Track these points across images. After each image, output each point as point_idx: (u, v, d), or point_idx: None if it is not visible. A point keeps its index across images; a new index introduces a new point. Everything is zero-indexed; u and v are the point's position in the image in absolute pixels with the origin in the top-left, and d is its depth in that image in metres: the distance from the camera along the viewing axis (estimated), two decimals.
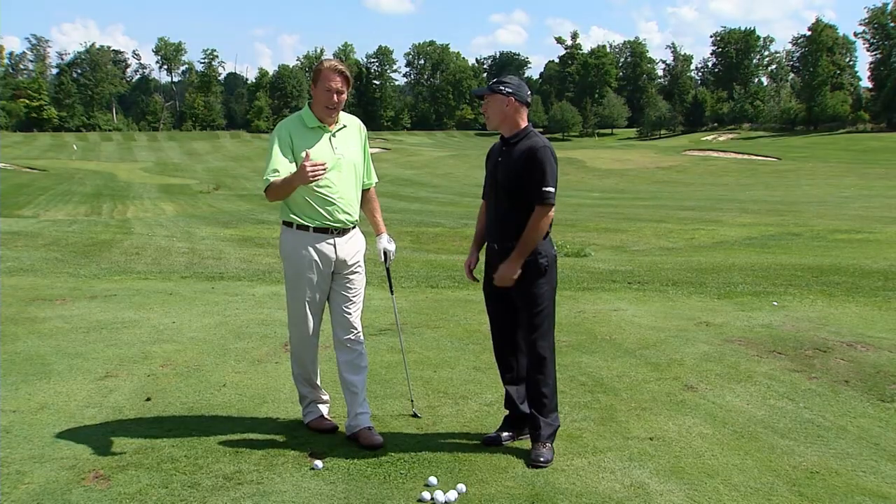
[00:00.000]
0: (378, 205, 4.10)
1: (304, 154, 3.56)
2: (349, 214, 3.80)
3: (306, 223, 3.73)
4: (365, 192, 3.99)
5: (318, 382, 4.02)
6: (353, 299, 3.88)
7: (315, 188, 3.67)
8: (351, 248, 3.84)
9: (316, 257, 3.74)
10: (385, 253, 4.00)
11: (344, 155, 3.78)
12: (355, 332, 3.88)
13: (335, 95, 3.69)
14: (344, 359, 3.89)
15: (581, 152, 62.83)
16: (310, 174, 3.48)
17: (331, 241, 3.76)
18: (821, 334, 5.95)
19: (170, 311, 6.80)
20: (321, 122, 3.75)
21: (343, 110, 3.84)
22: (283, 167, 3.65)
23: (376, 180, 4.07)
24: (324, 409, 4.03)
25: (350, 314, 3.87)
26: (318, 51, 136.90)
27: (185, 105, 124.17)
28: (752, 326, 6.28)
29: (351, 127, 3.89)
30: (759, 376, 4.90)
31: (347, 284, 3.85)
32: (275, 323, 6.36)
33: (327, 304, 3.90)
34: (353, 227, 3.88)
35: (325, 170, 3.56)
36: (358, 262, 3.89)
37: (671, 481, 3.35)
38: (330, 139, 3.77)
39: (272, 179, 3.63)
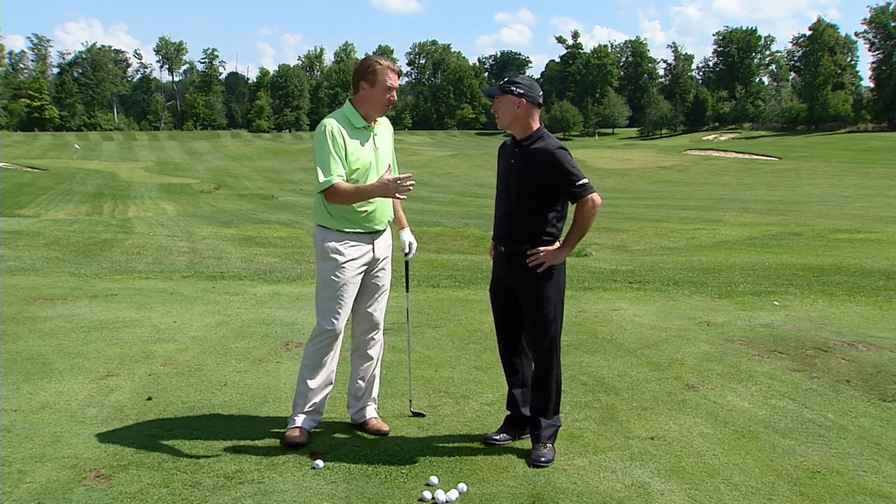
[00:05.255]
0: (399, 201, 4.08)
1: (375, 160, 3.70)
2: (389, 214, 3.85)
3: (346, 227, 3.74)
4: None
5: (333, 381, 3.94)
6: (380, 296, 3.92)
7: None
8: (386, 244, 3.90)
9: (355, 259, 3.75)
10: (410, 245, 4.01)
11: (384, 156, 3.82)
12: (378, 327, 3.94)
13: (394, 94, 3.74)
14: (362, 352, 3.94)
15: (582, 152, 62.75)
16: (396, 190, 3.56)
17: (369, 241, 3.79)
18: (822, 334, 5.95)
19: (171, 311, 6.80)
20: (366, 121, 3.76)
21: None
22: (340, 168, 3.63)
23: None
24: (301, 419, 3.82)
25: (375, 311, 3.91)
26: (319, 50, 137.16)
27: (186, 104, 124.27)
28: (753, 326, 6.28)
29: (384, 126, 3.92)
30: (760, 376, 4.90)
31: (375, 282, 3.89)
32: (276, 322, 6.36)
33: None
34: (388, 226, 3.93)
35: (412, 185, 3.62)
36: (387, 257, 3.92)
37: (672, 481, 3.35)
38: (374, 139, 3.79)
39: (336, 181, 3.60)
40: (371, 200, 3.73)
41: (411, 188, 3.61)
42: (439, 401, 4.39)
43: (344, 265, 3.73)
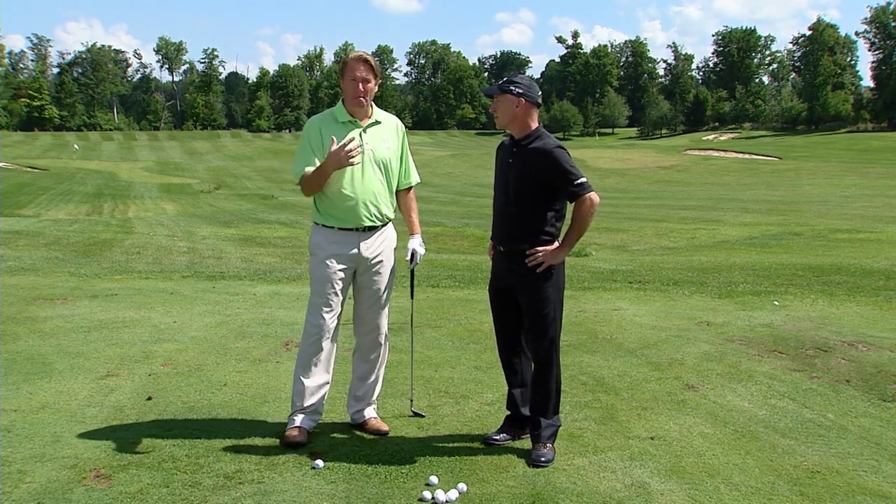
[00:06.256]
0: (415, 205, 4.07)
1: (331, 139, 3.63)
2: (376, 211, 3.79)
3: (331, 223, 3.75)
4: (405, 191, 3.99)
5: (329, 381, 3.92)
6: (376, 299, 3.88)
7: (339, 186, 3.69)
8: (378, 245, 3.84)
9: (337, 255, 3.74)
10: (413, 253, 3.96)
11: (374, 151, 3.78)
12: (378, 330, 3.91)
13: (360, 84, 3.69)
14: (362, 354, 3.94)
15: (582, 152, 62.73)
16: (344, 156, 3.55)
17: (356, 239, 3.76)
18: (822, 334, 5.95)
19: (171, 311, 6.80)
20: (352, 116, 3.77)
21: None
22: (311, 161, 3.68)
23: (417, 180, 4.04)
24: (300, 419, 3.81)
25: (373, 314, 3.88)
26: (318, 50, 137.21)
27: (186, 104, 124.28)
28: (752, 326, 6.28)
29: (386, 124, 3.89)
30: (760, 376, 4.90)
31: (370, 285, 3.86)
32: (276, 322, 6.36)
33: (352, 301, 3.90)
34: (384, 225, 3.87)
35: (359, 149, 3.61)
36: (383, 260, 3.86)
37: (672, 481, 3.35)
38: (360, 134, 3.77)
39: (305, 170, 3.66)
40: (351, 196, 3.71)
41: (355, 152, 3.59)
42: (439, 401, 4.39)
43: (326, 261, 3.73)
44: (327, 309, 3.75)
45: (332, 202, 3.73)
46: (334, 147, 3.59)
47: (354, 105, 3.75)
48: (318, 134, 3.73)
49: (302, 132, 3.83)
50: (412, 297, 4.20)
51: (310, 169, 3.68)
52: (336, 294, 3.76)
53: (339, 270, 3.76)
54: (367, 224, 3.77)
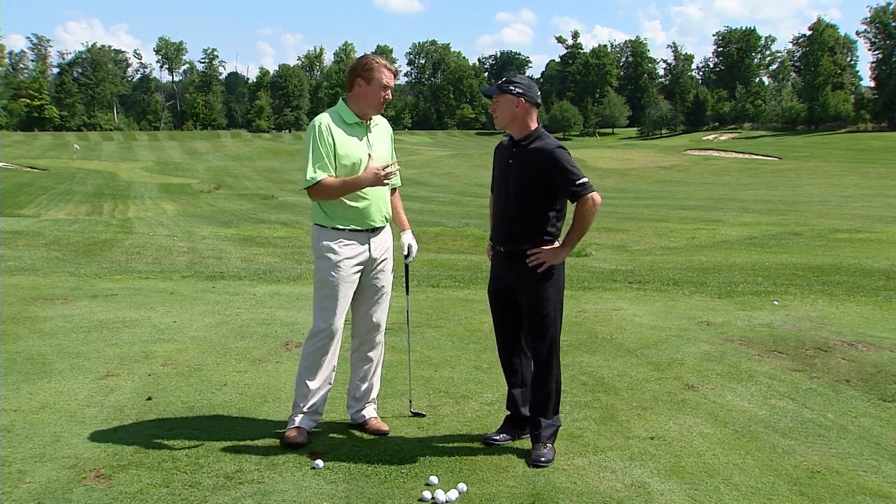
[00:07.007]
0: (401, 203, 4.11)
1: (367, 157, 3.71)
2: (385, 211, 3.84)
3: (341, 225, 3.74)
4: (391, 192, 4.01)
5: (332, 382, 3.92)
6: (379, 298, 3.90)
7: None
8: (384, 244, 3.88)
9: (350, 257, 3.74)
10: (409, 248, 3.98)
11: (379, 153, 3.81)
12: (378, 329, 3.92)
13: (389, 92, 3.77)
14: (362, 354, 3.94)
15: (582, 151, 62.71)
16: (384, 175, 3.63)
17: (365, 240, 3.77)
18: (822, 334, 5.95)
19: (171, 311, 6.80)
20: (360, 118, 3.78)
21: None
22: (326, 166, 3.67)
23: (399, 183, 4.08)
24: (300, 419, 3.81)
25: (374, 313, 3.90)
26: (318, 50, 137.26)
27: (186, 104, 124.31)
28: (752, 326, 6.28)
29: (382, 126, 3.93)
30: (760, 376, 4.90)
31: (374, 284, 3.87)
32: (276, 322, 6.36)
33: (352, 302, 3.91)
34: (386, 224, 3.91)
35: (397, 169, 3.71)
36: (386, 259, 3.90)
37: (672, 480, 3.35)
38: (367, 136, 3.79)
39: (321, 178, 3.64)
40: (365, 197, 3.72)
41: (394, 173, 3.73)
42: (439, 401, 4.39)
43: (339, 264, 3.72)
44: (338, 312, 3.76)
45: (345, 204, 3.72)
46: (374, 165, 3.66)
47: (375, 111, 3.78)
48: (329, 136, 3.70)
49: (309, 133, 3.75)
50: (407, 293, 4.21)
51: (327, 176, 3.65)
52: (346, 296, 3.77)
53: (353, 273, 3.76)
54: (377, 224, 3.80)
